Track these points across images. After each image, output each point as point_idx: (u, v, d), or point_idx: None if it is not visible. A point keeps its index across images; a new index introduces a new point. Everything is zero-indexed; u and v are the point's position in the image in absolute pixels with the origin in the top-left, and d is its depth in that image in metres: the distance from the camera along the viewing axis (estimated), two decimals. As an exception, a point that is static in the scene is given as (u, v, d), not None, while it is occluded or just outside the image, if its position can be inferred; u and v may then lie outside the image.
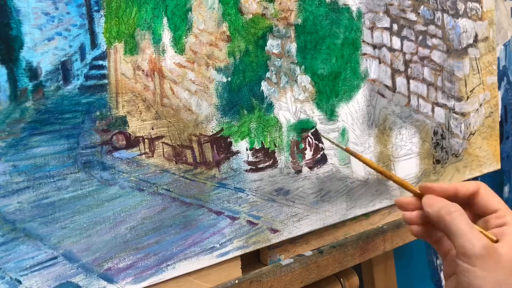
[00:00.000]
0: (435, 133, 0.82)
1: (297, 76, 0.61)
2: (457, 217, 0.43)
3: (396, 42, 0.74)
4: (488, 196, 0.47)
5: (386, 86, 0.73)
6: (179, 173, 0.51)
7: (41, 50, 0.42)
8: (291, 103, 0.61)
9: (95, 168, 0.46)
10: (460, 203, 0.46)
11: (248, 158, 0.57)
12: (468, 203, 0.47)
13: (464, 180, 0.88)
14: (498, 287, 0.40)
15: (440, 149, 0.83)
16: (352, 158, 0.68)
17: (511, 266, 0.41)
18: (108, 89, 0.46)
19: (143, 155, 0.49)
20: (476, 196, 0.47)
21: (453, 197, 0.47)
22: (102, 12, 0.45)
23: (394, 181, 0.50)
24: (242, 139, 0.56)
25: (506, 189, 1.37)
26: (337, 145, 0.54)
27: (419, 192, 0.48)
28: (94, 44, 0.45)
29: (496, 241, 0.43)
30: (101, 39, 0.45)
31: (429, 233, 0.48)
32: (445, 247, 0.48)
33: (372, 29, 0.70)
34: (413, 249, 1.12)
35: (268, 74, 0.58)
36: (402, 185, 0.49)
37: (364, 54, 0.69)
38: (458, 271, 0.42)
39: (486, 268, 0.40)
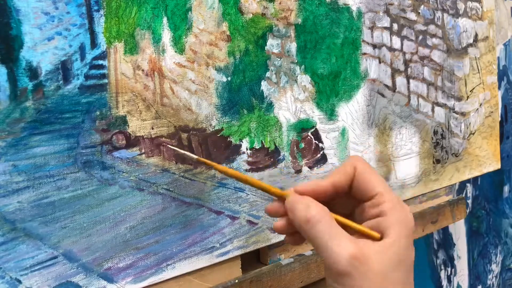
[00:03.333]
0: (435, 132, 0.82)
1: (297, 76, 0.61)
2: (315, 225, 0.36)
3: (396, 42, 0.74)
4: (362, 180, 0.38)
5: (386, 86, 0.73)
6: (179, 172, 0.51)
7: (41, 49, 0.42)
8: (291, 102, 0.61)
9: (95, 167, 0.46)
10: (342, 193, 0.39)
11: (248, 158, 0.57)
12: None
13: (465, 180, 0.88)
14: None
15: (440, 149, 0.83)
16: (352, 158, 0.68)
17: (386, 274, 0.35)
18: (108, 88, 0.46)
19: (143, 155, 0.49)
20: (352, 180, 0.38)
21: (333, 193, 0.39)
22: (102, 12, 0.45)
23: (253, 185, 0.40)
24: (242, 139, 0.56)
25: (506, 188, 1.37)
26: (187, 155, 0.43)
27: (283, 194, 0.39)
28: (94, 44, 0.45)
29: (380, 239, 0.36)
30: (101, 39, 0.45)
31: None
32: None
33: (372, 28, 0.70)
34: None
35: (268, 74, 0.58)
36: (262, 188, 0.40)
37: (364, 53, 0.69)
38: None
39: (353, 285, 0.34)
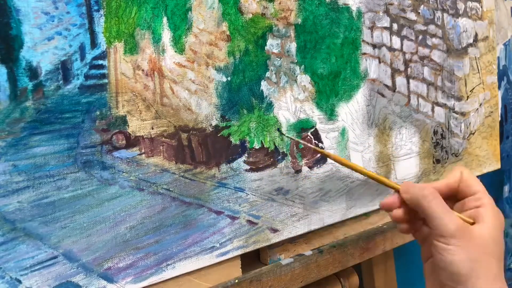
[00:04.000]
0: (435, 132, 0.82)
1: (296, 76, 0.61)
2: (432, 200, 0.45)
3: (396, 42, 0.74)
4: (469, 180, 0.48)
5: (386, 86, 0.73)
6: (179, 172, 0.51)
7: (41, 49, 0.42)
8: (290, 102, 0.61)
9: (95, 167, 0.46)
10: (452, 193, 0.49)
11: (248, 158, 0.57)
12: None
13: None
14: (472, 264, 0.43)
15: (440, 149, 0.83)
16: (352, 158, 0.68)
17: (484, 246, 0.44)
18: (108, 88, 0.46)
19: (143, 155, 0.49)
20: (460, 181, 0.49)
21: (446, 192, 0.48)
22: (102, 12, 0.45)
23: (371, 178, 0.51)
24: (242, 139, 0.56)
25: (506, 188, 1.37)
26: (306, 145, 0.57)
27: (398, 186, 0.49)
28: (94, 44, 0.45)
29: (472, 223, 0.46)
30: (101, 39, 0.45)
31: (412, 226, 0.50)
32: (422, 232, 0.50)
33: (372, 28, 0.70)
34: (413, 249, 1.12)
35: (268, 74, 0.58)
36: (381, 181, 0.51)
37: (364, 53, 0.69)
38: (434, 251, 0.45)
39: (460, 246, 0.43)
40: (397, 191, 0.49)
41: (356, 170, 0.52)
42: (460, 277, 0.43)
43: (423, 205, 0.46)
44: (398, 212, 0.49)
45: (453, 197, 0.50)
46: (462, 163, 0.87)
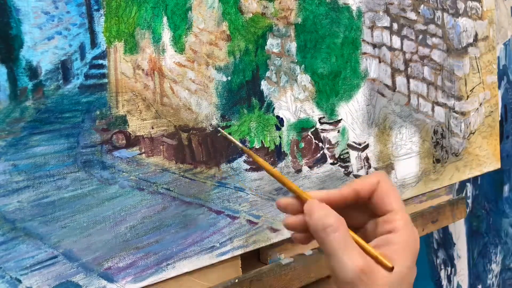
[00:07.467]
0: (435, 132, 0.82)
1: (297, 75, 0.61)
2: (330, 233, 0.37)
3: (396, 41, 0.74)
4: (383, 194, 0.39)
5: (386, 85, 0.73)
6: (179, 172, 0.51)
7: (41, 49, 0.42)
8: (291, 102, 0.61)
9: (95, 167, 0.46)
10: (361, 202, 0.40)
11: (248, 158, 0.57)
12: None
13: (465, 180, 0.89)
14: None
15: (440, 148, 0.83)
16: (352, 157, 0.68)
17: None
18: (108, 88, 0.46)
19: (143, 154, 0.49)
20: (374, 191, 0.40)
21: (355, 200, 0.40)
22: (102, 11, 0.45)
23: (280, 182, 0.42)
24: (242, 138, 0.56)
25: (506, 188, 1.37)
26: (234, 143, 0.45)
27: (305, 196, 0.39)
28: (94, 43, 0.45)
29: (391, 269, 0.36)
30: (101, 38, 0.45)
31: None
32: None
33: (372, 28, 0.70)
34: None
35: (268, 73, 0.58)
36: (286, 184, 0.42)
37: (364, 53, 0.69)
38: None
39: None
40: (302, 201, 0.39)
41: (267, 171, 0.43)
42: None
43: (320, 238, 0.37)
44: (292, 220, 0.40)
45: (367, 208, 0.41)
46: (462, 163, 0.87)
